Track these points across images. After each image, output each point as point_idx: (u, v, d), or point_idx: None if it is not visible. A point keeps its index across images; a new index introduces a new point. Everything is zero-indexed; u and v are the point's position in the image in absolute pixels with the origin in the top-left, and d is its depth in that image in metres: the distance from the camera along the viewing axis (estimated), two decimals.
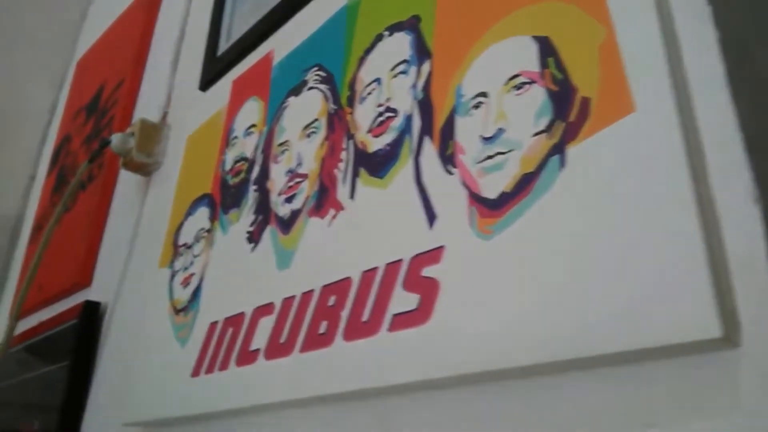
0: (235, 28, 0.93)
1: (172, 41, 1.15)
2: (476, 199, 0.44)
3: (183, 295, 0.74)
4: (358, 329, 0.49)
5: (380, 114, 0.56)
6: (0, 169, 1.65)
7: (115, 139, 0.99)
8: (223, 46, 0.93)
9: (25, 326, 1.26)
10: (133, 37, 1.30)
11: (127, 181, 1.09)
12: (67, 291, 1.13)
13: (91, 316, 0.98)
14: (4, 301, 1.53)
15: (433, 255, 0.45)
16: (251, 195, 0.70)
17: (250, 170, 0.72)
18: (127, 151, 1.00)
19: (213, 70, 0.92)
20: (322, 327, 0.52)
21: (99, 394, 0.92)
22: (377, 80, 0.58)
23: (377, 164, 0.54)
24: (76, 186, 0.99)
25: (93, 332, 0.97)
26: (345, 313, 0.51)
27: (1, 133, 1.67)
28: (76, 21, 1.89)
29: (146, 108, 1.17)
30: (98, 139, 1.24)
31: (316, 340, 0.52)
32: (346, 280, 0.52)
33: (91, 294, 1.07)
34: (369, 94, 0.59)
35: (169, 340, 0.72)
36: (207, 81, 0.93)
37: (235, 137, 0.78)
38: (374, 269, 0.50)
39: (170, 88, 1.09)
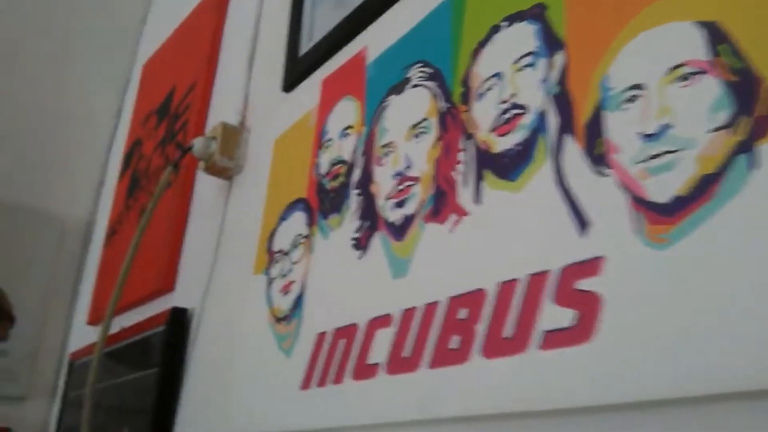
0: (318, 27, 0.90)
1: (246, 42, 1.13)
2: (641, 203, 0.40)
3: (283, 303, 0.72)
4: (499, 346, 0.45)
5: (504, 111, 0.52)
6: (69, 174, 1.68)
7: (198, 143, 0.98)
8: (306, 45, 0.91)
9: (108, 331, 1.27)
10: (202, 38, 1.29)
11: (206, 185, 1.08)
12: (149, 296, 1.13)
13: (179, 323, 0.97)
14: (79, 304, 1.55)
15: (590, 266, 0.41)
16: (353, 199, 0.67)
17: (349, 173, 0.69)
18: (209, 156, 0.98)
19: (297, 70, 0.90)
20: (454, 342, 0.49)
21: (190, 403, 0.91)
22: (497, 75, 0.54)
23: (506, 166, 0.50)
24: (162, 191, 0.98)
25: (181, 339, 0.96)
26: (481, 328, 0.47)
27: (68, 139, 1.69)
28: (137, 24, 1.90)
29: (220, 111, 1.16)
30: (173, 143, 1.24)
31: (448, 356, 0.49)
32: (479, 292, 0.48)
33: (175, 299, 1.07)
34: (488, 90, 0.55)
35: (272, 350, 0.70)
36: (291, 82, 0.91)
37: (330, 139, 0.75)
38: (514, 280, 0.46)
39: (247, 91, 1.07)
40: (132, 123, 1.55)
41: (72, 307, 1.57)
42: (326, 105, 0.78)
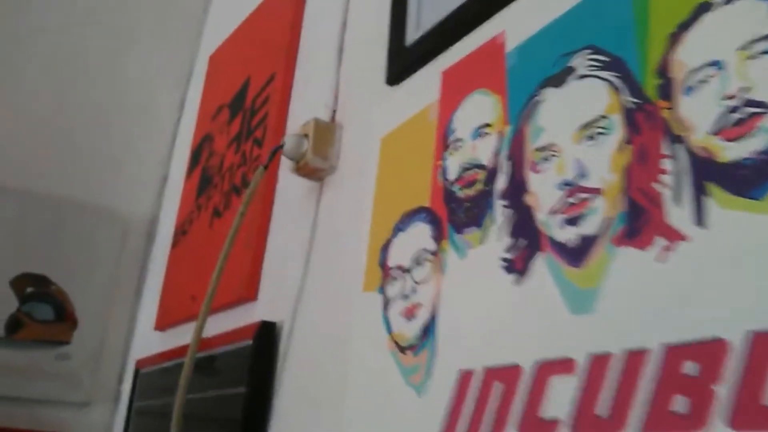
0: (427, 14, 0.80)
1: (332, 31, 1.04)
2: None
3: (408, 329, 0.62)
4: (758, 415, 0.35)
5: (733, 109, 0.41)
6: (132, 170, 1.61)
7: (289, 141, 0.89)
8: (413, 33, 0.81)
9: (177, 340, 1.19)
10: (280, 27, 1.20)
11: (291, 186, 0.99)
12: (228, 304, 1.05)
13: (268, 338, 0.88)
14: (142, 307, 1.49)
15: None
16: (499, 211, 0.57)
17: (490, 180, 0.59)
18: (301, 155, 0.89)
19: (404, 61, 0.80)
20: (679, 403, 0.38)
21: (283, 427, 0.82)
22: (715, 64, 0.43)
23: (745, 179, 0.39)
24: (253, 194, 0.89)
25: (270, 356, 0.88)
26: (723, 389, 0.37)
27: (130, 134, 1.63)
28: (199, 14, 1.83)
29: (304, 105, 1.07)
30: (250, 139, 1.15)
31: (672, 422, 0.38)
32: (717, 343, 0.38)
33: (258, 310, 0.98)
34: (702, 82, 0.44)
35: (397, 384, 0.61)
36: (397, 74, 0.81)
37: (459, 139, 0.65)
38: None
39: (337, 84, 0.98)
40: (199, 117, 1.47)
41: (135, 309, 1.51)
42: (450, 100, 0.68)
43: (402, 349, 0.62)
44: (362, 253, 0.74)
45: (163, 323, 1.27)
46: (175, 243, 1.34)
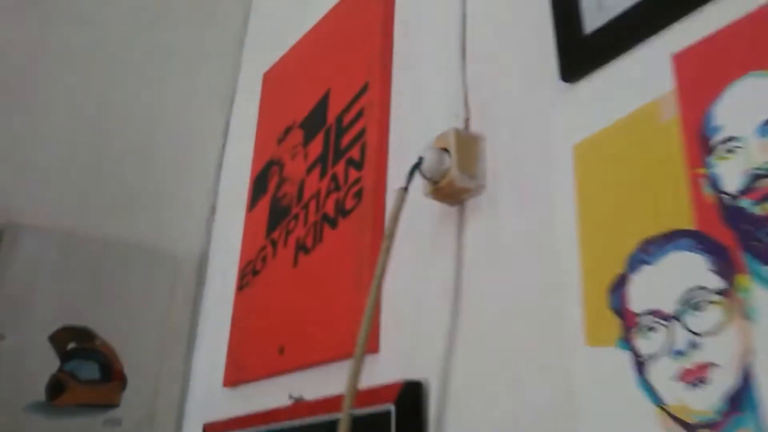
0: None
1: (445, 29, 0.89)
2: None
3: (696, 399, 0.45)
4: None
5: None
6: (176, 203, 1.43)
7: (429, 157, 0.72)
8: (593, 17, 0.65)
9: (257, 399, 1.01)
10: (366, 32, 1.04)
11: (414, 212, 0.82)
12: (336, 357, 0.87)
13: (414, 402, 0.70)
14: (199, 358, 1.30)
15: None
16: None
17: None
18: (442, 173, 0.73)
19: (585, 51, 0.64)
20: None
21: None
22: None
23: None
24: (395, 225, 0.71)
25: (419, 424, 0.70)
26: None
27: (172, 163, 1.46)
28: (238, 32, 1.68)
29: (412, 117, 0.91)
30: (342, 160, 0.99)
31: None
32: None
33: (382, 364, 0.80)
34: None
35: None
36: (577, 68, 0.65)
37: (732, 138, 0.49)
38: None
39: (464, 88, 0.82)
40: (258, 140, 1.31)
41: (188, 362, 1.32)
42: (698, 89, 0.52)
43: (691, 428, 0.45)
44: (571, 294, 0.57)
45: (235, 379, 1.08)
46: (244, 284, 1.16)
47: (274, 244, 1.10)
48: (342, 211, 0.95)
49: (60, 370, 1.16)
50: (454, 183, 0.72)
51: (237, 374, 1.08)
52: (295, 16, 1.42)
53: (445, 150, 0.74)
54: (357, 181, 0.93)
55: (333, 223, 0.96)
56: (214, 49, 1.62)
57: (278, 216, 1.12)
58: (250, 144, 1.39)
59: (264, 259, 1.12)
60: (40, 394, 1.14)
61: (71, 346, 1.19)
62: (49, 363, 1.16)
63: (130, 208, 1.36)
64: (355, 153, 0.96)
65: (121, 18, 1.48)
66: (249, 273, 1.15)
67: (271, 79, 1.36)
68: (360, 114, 0.99)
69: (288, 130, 1.20)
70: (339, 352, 0.87)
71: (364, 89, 1.00)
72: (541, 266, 0.63)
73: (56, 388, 1.15)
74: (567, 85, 0.66)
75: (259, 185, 1.24)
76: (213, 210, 1.47)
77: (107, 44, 1.44)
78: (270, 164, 1.22)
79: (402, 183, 0.85)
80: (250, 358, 1.05)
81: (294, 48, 1.30)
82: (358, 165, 0.94)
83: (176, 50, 1.55)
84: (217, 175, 1.51)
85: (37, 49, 1.34)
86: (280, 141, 1.21)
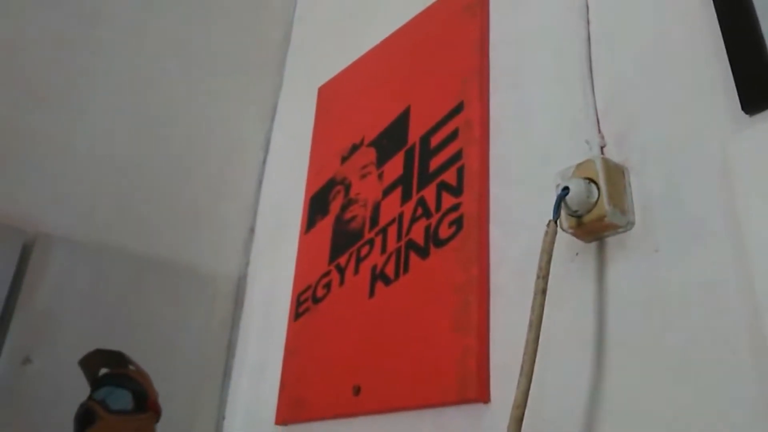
0: None
1: (566, 46, 0.82)
2: None
3: None
4: None
5: None
6: (215, 218, 1.33)
7: (575, 188, 0.64)
8: None
9: None
10: (460, 48, 0.97)
11: (532, 246, 0.74)
12: (430, 403, 0.78)
13: None
14: (237, 390, 1.19)
15: None
16: None
17: None
18: (588, 207, 0.65)
19: None
20: None
21: None
22: None
23: None
24: (548, 261, 0.63)
25: None
26: None
27: (211, 178, 1.36)
28: (279, 44, 1.60)
29: (514, 139, 0.84)
30: (432, 183, 0.90)
31: None
32: None
33: (494, 416, 0.71)
34: None
35: None
36: (760, 98, 0.58)
37: None
38: None
39: (595, 113, 0.75)
40: (315, 157, 1.22)
41: (224, 393, 1.21)
42: None
43: None
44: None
45: (292, 417, 0.98)
46: (301, 313, 1.06)
47: (340, 270, 1.01)
48: (435, 241, 0.86)
49: (90, 398, 1.04)
50: (605, 218, 0.64)
51: (295, 412, 0.98)
52: (350, 30, 1.35)
53: (591, 180, 0.66)
54: (454, 207, 0.85)
55: (423, 253, 0.87)
56: (254, 63, 1.54)
57: (345, 240, 1.03)
58: (297, 160, 1.30)
59: (327, 286, 1.02)
60: (68, 424, 1.02)
61: (103, 371, 1.07)
62: (79, 390, 1.05)
63: (165, 224, 1.26)
64: (449, 177, 0.88)
65: (160, 30, 1.39)
66: (308, 300, 1.06)
67: (329, 94, 1.27)
68: (454, 135, 0.91)
69: (355, 148, 1.11)
70: (431, 398, 0.78)
71: (458, 109, 0.92)
72: (723, 315, 0.55)
73: (86, 418, 1.03)
74: (747, 117, 0.59)
75: (317, 205, 1.14)
76: (252, 230, 1.37)
77: (147, 56, 1.35)
78: (332, 183, 1.13)
79: (510, 212, 0.78)
80: (314, 395, 0.95)
81: (358, 62, 1.22)
82: (455, 191, 0.86)
83: (215, 64, 1.46)
84: (257, 192, 1.41)
85: (75, 59, 1.24)
86: (344, 159, 1.13)
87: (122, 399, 1.08)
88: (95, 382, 1.06)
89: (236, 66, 1.50)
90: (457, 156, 0.88)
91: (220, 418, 1.18)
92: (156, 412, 1.11)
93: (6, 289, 1.00)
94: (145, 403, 1.10)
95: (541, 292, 0.60)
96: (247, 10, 1.57)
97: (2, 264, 1.00)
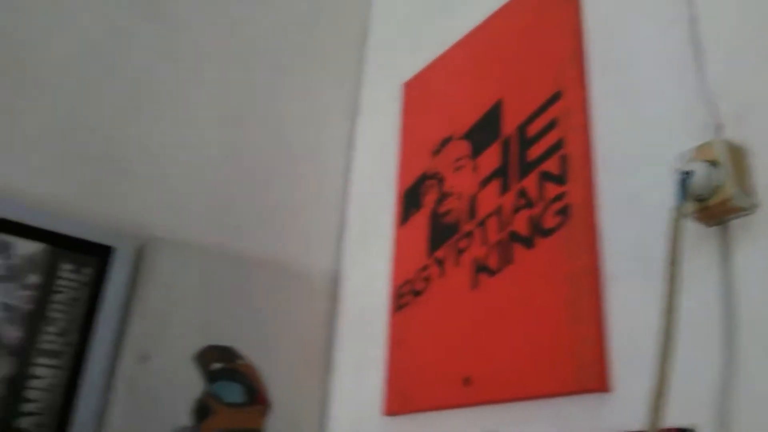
0: None
1: (666, 28, 0.80)
2: None
3: None
4: None
5: None
6: (306, 219, 1.37)
7: (699, 171, 0.64)
8: None
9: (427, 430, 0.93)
10: (552, 37, 0.96)
11: (654, 232, 0.73)
12: (544, 393, 0.78)
13: None
14: (341, 382, 1.22)
15: None
16: None
17: None
18: (712, 190, 0.64)
19: None
20: None
21: None
22: None
23: None
24: (679, 254, 0.62)
25: None
26: None
27: (299, 177, 1.39)
28: (358, 41, 1.62)
29: (617, 124, 0.83)
30: (532, 173, 0.91)
31: None
32: None
33: (617, 406, 0.71)
34: None
35: None
36: None
37: None
38: None
39: (706, 91, 0.73)
40: (405, 153, 1.24)
41: (326, 386, 1.24)
42: None
43: None
44: None
45: (401, 408, 1.00)
46: (401, 305, 1.08)
47: (440, 263, 1.03)
48: (540, 230, 0.86)
49: (205, 392, 1.10)
50: (730, 202, 0.63)
51: (404, 403, 1.00)
52: (432, 25, 1.36)
53: (712, 163, 0.65)
54: (559, 197, 0.85)
55: (527, 243, 0.88)
56: (333, 62, 1.57)
57: (442, 233, 1.05)
58: (383, 156, 1.32)
59: (427, 278, 1.04)
60: (185, 416, 1.07)
61: (215, 366, 1.13)
62: (194, 384, 1.10)
63: (260, 224, 1.30)
64: (551, 166, 0.88)
65: (246, 37, 1.43)
66: (407, 293, 1.08)
67: (415, 89, 1.29)
68: (552, 124, 0.91)
69: (446, 142, 1.12)
70: (548, 388, 0.78)
71: (555, 97, 0.92)
72: None
73: (202, 411, 1.09)
74: None
75: (410, 200, 1.16)
76: (341, 225, 1.40)
77: (233, 61, 1.39)
78: (423, 178, 1.15)
79: (620, 199, 0.77)
80: (422, 386, 0.97)
81: (444, 56, 1.22)
82: (559, 179, 0.86)
83: (296, 64, 1.49)
84: (344, 188, 1.44)
85: (170, 69, 1.30)
86: (435, 153, 1.14)
87: (235, 392, 1.13)
88: (209, 376, 1.12)
89: (316, 65, 1.53)
90: (559, 144, 0.88)
91: (325, 410, 1.22)
92: (265, 405, 1.16)
93: (125, 292, 1.06)
94: (256, 396, 1.15)
95: (673, 278, 0.60)
96: (324, 10, 1.60)
97: (120, 268, 1.07)
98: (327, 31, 1.59)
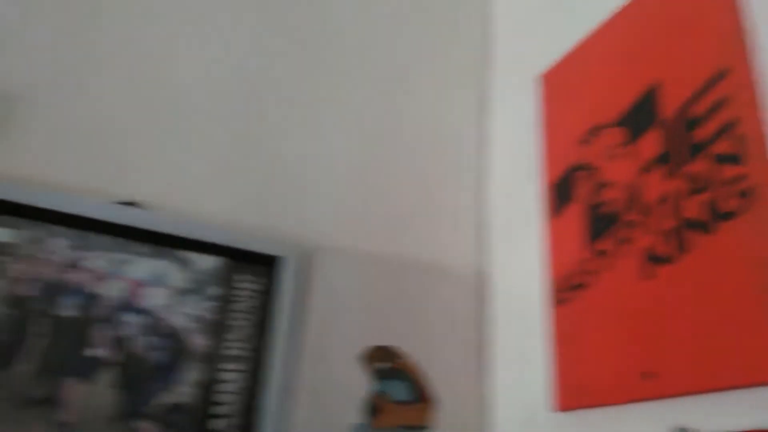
0: None
1: None
2: None
3: None
4: None
5: None
6: (448, 218, 1.39)
7: None
8: None
9: (607, 426, 0.92)
10: (707, 15, 0.93)
11: None
12: (739, 383, 0.76)
13: None
14: (498, 376, 1.23)
15: None
16: None
17: None
18: None
19: None
20: None
21: None
22: None
23: None
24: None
25: None
26: None
27: (439, 178, 1.42)
28: (478, 36, 1.62)
29: None
30: (699, 155, 0.88)
31: None
32: None
33: None
34: None
35: None
36: None
37: None
38: None
39: None
40: (550, 145, 1.23)
41: (482, 382, 1.26)
42: None
43: None
44: None
45: (575, 403, 1.00)
46: (563, 300, 1.08)
47: (602, 254, 1.01)
48: (719, 215, 0.83)
49: (372, 390, 1.15)
50: None
51: (577, 398, 0.99)
52: (562, 15, 1.34)
53: None
54: (738, 178, 0.82)
55: (705, 228, 0.85)
56: (456, 60, 1.58)
57: (601, 224, 1.03)
58: (523, 150, 1.32)
59: (591, 272, 1.03)
60: (355, 414, 1.13)
61: (380, 366, 1.17)
62: (361, 383, 1.15)
63: (406, 226, 1.34)
64: (724, 147, 0.85)
65: (373, 43, 1.48)
66: (569, 286, 1.07)
67: (555, 80, 1.27)
68: (720, 104, 0.87)
69: (594, 131, 1.11)
70: (742, 378, 0.76)
71: (720, 75, 0.88)
72: None
73: (371, 409, 1.13)
74: None
75: (561, 192, 1.15)
76: (481, 222, 1.41)
77: (365, 70, 1.44)
78: (573, 170, 1.14)
79: None
80: (596, 381, 0.97)
81: (584, 45, 1.20)
82: (736, 160, 0.83)
83: (422, 66, 1.52)
84: (480, 185, 1.45)
85: (311, 84, 1.36)
86: (583, 143, 1.13)
87: (401, 390, 1.17)
88: (375, 375, 1.17)
89: (440, 66, 1.55)
90: (731, 125, 0.85)
91: (486, 406, 1.23)
92: (430, 403, 1.19)
93: (296, 299, 1.13)
94: (422, 394, 1.19)
95: None
96: (443, 13, 1.62)
97: (290, 276, 1.14)
98: (449, 32, 1.61)
